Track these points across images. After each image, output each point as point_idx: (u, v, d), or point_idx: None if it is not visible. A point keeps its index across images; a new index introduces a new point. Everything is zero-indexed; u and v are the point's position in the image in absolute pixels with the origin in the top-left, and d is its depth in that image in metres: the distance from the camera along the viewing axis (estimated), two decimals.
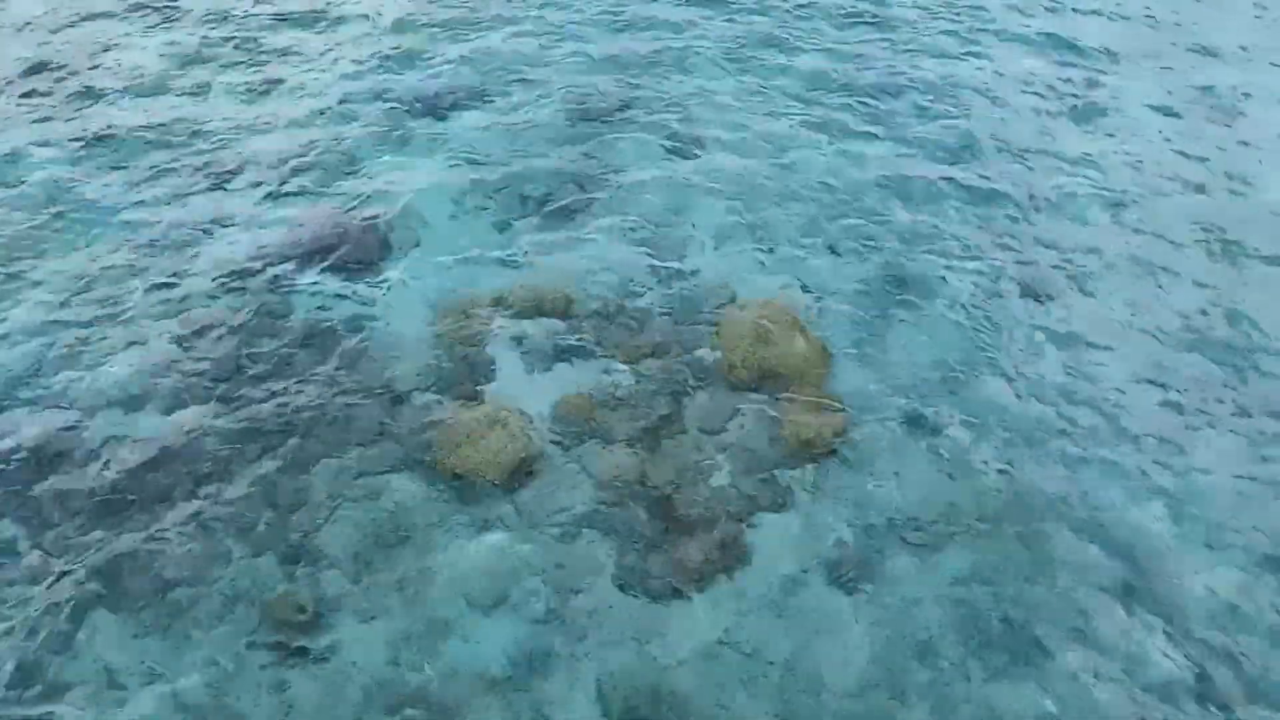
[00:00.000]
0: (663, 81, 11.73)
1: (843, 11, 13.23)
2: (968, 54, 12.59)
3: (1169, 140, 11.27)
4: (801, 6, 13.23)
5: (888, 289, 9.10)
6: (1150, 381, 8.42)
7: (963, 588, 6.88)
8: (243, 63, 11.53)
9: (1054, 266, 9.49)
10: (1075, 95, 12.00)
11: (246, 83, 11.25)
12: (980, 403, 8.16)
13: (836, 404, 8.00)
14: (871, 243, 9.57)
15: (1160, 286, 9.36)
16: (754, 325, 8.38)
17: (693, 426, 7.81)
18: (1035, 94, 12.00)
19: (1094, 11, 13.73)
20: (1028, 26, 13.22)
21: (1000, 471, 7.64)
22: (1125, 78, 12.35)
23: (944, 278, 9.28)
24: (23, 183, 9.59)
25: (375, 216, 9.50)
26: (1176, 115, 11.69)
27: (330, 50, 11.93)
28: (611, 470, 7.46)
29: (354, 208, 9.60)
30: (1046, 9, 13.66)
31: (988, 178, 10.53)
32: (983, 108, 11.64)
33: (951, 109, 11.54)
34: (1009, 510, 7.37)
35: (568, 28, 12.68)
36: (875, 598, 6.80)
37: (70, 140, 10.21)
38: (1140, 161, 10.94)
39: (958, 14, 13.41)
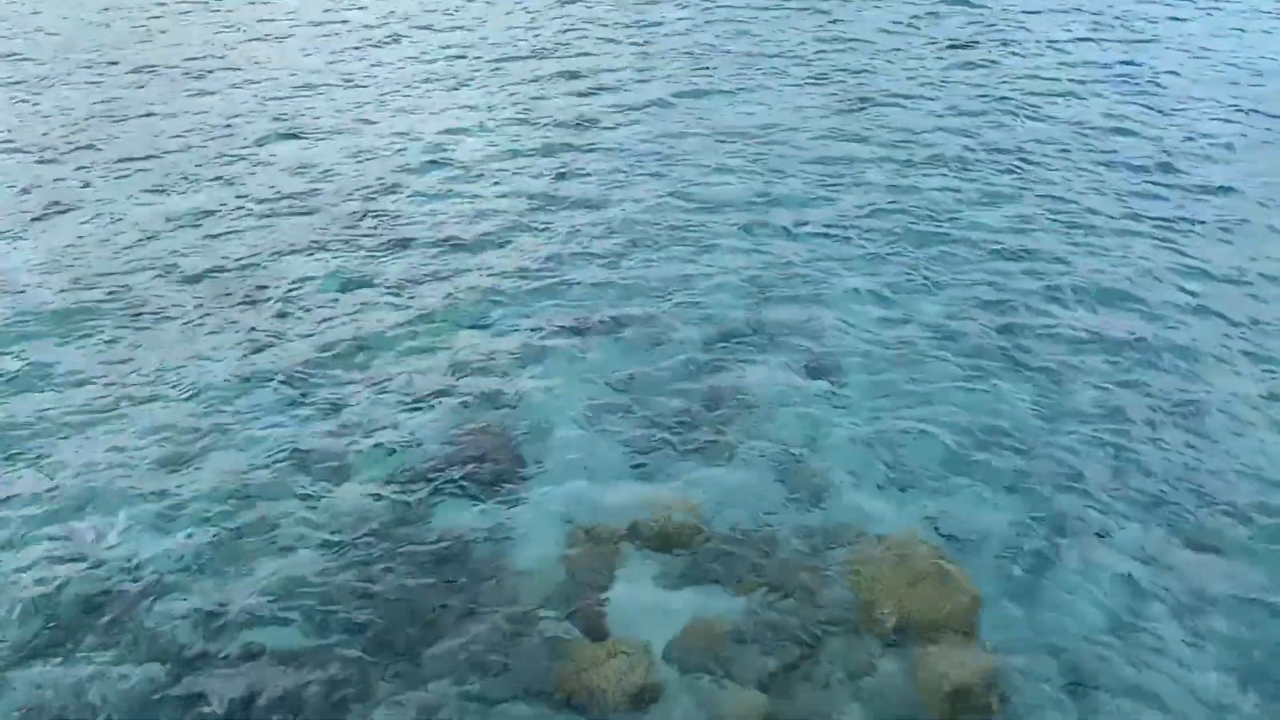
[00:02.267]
0: (798, 304, 11.86)
1: (987, 244, 13.15)
2: (1117, 294, 12.16)
3: None
4: (944, 238, 13.31)
5: (1040, 532, 8.55)
6: None
7: None
8: (395, 285, 12.35)
9: (1229, 515, 8.74)
10: (1250, 312, 11.50)
11: (398, 304, 11.97)
12: (1147, 663, 7.39)
13: (986, 655, 7.40)
14: (1021, 482, 9.10)
15: None
16: (895, 564, 7.99)
17: (826, 669, 7.34)
18: (1200, 308, 11.61)
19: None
20: (1184, 253, 12.87)
21: None
22: None
23: (1104, 521, 8.67)
24: (190, 397, 10.28)
25: (514, 433, 9.76)
26: None
27: (476, 269, 12.71)
28: (737, 709, 7.04)
29: (494, 423, 9.90)
30: (1187, 230, 13.29)
31: (1152, 418, 9.92)
32: (1136, 338, 11.14)
33: (1105, 345, 11.10)
34: None
35: (703, 246, 13.15)
36: None
37: (234, 354, 10.97)
38: None
39: (1107, 248, 13.15)
